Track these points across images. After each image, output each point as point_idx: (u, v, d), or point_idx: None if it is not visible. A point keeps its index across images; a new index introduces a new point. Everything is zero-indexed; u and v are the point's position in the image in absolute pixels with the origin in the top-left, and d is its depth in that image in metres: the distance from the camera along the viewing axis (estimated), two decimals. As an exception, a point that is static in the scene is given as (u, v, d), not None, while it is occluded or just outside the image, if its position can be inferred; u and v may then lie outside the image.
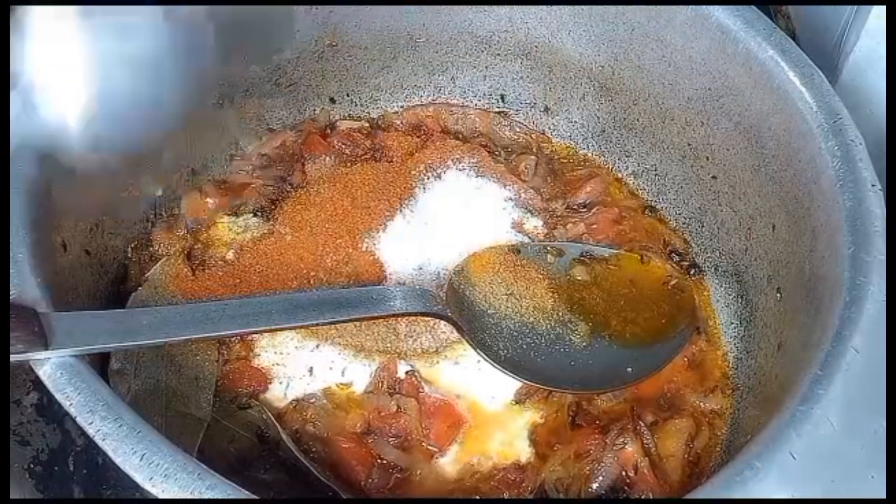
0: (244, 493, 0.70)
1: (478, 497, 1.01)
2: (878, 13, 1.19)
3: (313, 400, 1.04)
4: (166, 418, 0.98)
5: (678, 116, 1.19)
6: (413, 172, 1.22)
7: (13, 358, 0.74)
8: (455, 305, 1.06)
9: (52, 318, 0.78)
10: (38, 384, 0.74)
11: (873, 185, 0.93)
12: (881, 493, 0.77)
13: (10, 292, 0.79)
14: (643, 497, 0.99)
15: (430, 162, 1.23)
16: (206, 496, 0.69)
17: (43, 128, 0.93)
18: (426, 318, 1.08)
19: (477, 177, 1.23)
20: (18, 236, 0.83)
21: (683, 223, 1.24)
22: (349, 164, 1.24)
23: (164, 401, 1.00)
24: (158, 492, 0.69)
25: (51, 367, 0.75)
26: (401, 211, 1.18)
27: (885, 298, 0.86)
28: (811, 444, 0.77)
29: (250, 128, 1.27)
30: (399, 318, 1.08)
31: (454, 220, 1.18)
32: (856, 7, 1.22)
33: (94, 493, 1.02)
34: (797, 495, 0.75)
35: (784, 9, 1.39)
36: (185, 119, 1.17)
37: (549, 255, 1.15)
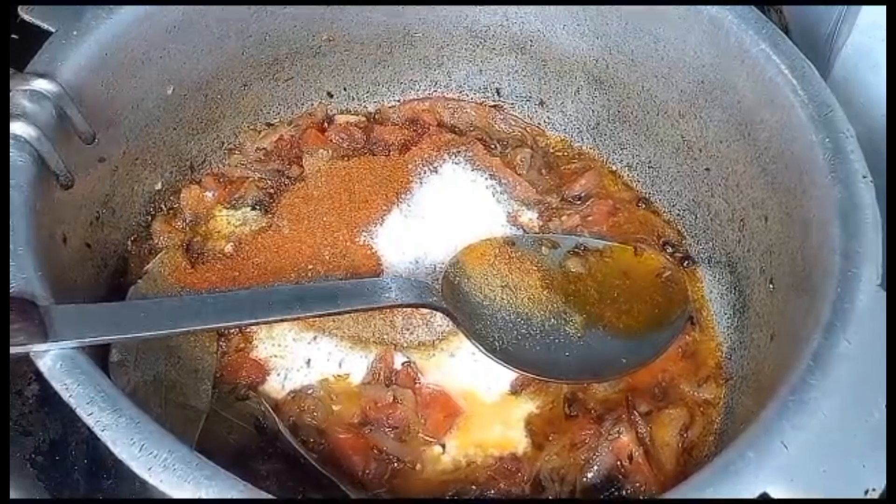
0: (243, 484, 0.71)
1: (474, 487, 1.02)
2: (870, 9, 1.19)
3: (311, 391, 1.05)
4: (166, 409, 0.99)
5: (672, 109, 1.19)
6: (409, 166, 1.22)
7: (13, 350, 0.74)
8: (450, 297, 1.07)
9: (52, 310, 0.78)
10: (39, 375, 0.75)
11: (864, 177, 0.94)
12: (874, 483, 0.77)
13: (11, 285, 0.79)
14: (638, 485, 1.00)
15: (426, 156, 1.23)
16: (203, 486, 0.70)
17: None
18: (422, 310, 1.09)
19: (472, 170, 1.24)
20: (19, 230, 0.84)
21: (677, 215, 1.25)
22: (346, 158, 1.24)
23: (163, 392, 1.00)
24: (157, 482, 0.70)
25: (50, 358, 0.75)
26: (397, 205, 1.19)
27: (877, 289, 0.86)
28: (803, 435, 0.78)
29: (248, 122, 1.28)
30: (396, 311, 1.09)
31: (450, 214, 1.19)
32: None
33: (95, 483, 1.02)
34: (789, 485, 0.76)
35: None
36: (186, 113, 1.18)
37: (543, 248, 1.15)
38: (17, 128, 0.89)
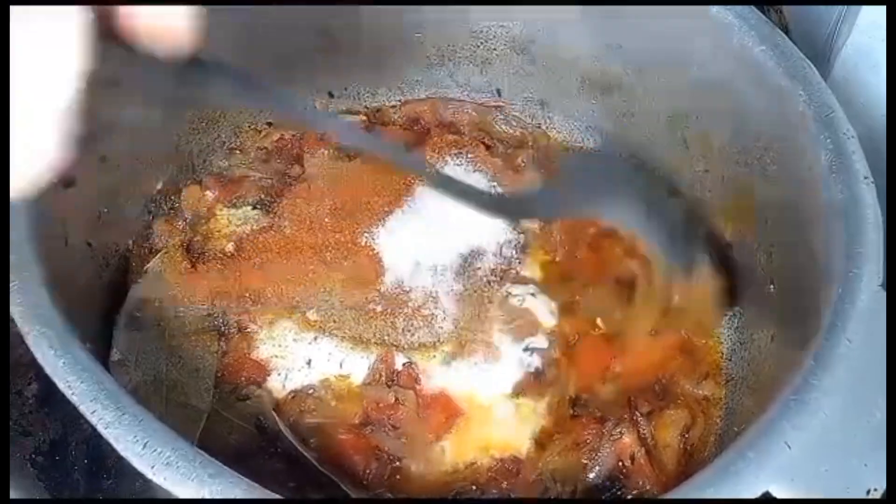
0: (246, 483, 0.71)
1: (475, 487, 1.02)
2: (870, 9, 1.20)
3: (311, 391, 1.05)
4: (167, 409, 0.99)
5: (672, 110, 1.19)
6: (411, 167, 1.22)
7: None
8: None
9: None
10: (39, 375, 0.75)
11: (866, 178, 0.94)
12: (875, 483, 0.77)
13: (11, 285, 0.79)
14: (640, 485, 1.01)
15: (427, 157, 1.23)
16: (206, 484, 0.70)
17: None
18: (423, 311, 1.09)
19: (474, 171, 1.23)
20: (20, 229, 0.84)
21: (678, 215, 1.25)
22: (348, 159, 1.24)
23: (164, 392, 1.00)
24: (160, 480, 0.70)
25: (53, 356, 0.75)
26: (399, 206, 1.18)
27: (877, 289, 0.86)
28: (804, 434, 0.78)
29: (249, 122, 1.28)
30: (397, 312, 1.09)
31: (451, 215, 1.18)
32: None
33: (95, 483, 1.02)
34: (791, 485, 0.76)
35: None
36: (187, 113, 1.18)
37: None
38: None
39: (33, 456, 1.03)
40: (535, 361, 1.09)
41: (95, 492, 1.03)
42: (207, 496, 0.69)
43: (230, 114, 1.24)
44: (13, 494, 0.98)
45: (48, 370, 0.75)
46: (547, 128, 1.35)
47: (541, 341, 1.10)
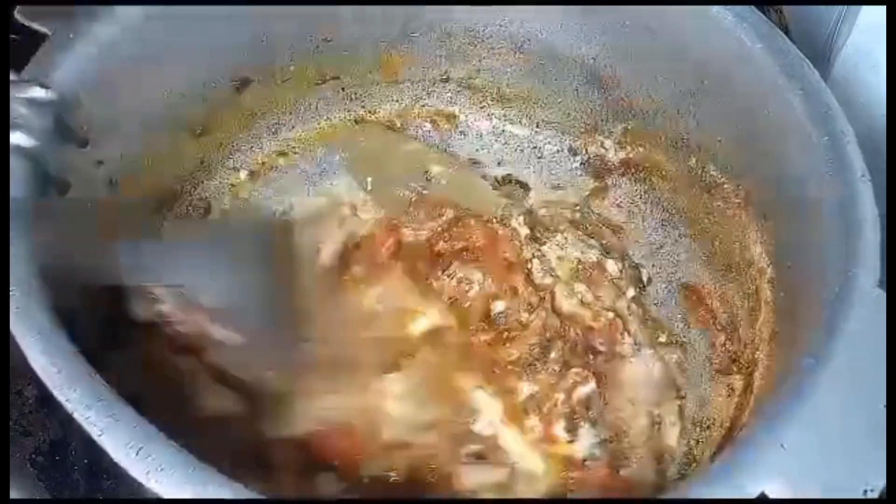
0: (240, 485, 0.71)
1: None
2: (870, 9, 1.20)
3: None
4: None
5: (670, 109, 1.19)
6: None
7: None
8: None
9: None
10: (38, 378, 0.75)
11: (863, 176, 0.94)
12: (873, 483, 0.77)
13: (11, 289, 0.79)
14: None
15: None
16: (200, 488, 0.70)
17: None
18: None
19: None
20: (18, 230, 0.83)
21: (676, 214, 1.25)
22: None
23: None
24: (154, 485, 0.70)
25: (47, 363, 0.75)
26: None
27: (876, 289, 0.86)
28: (802, 434, 0.78)
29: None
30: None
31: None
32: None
33: (95, 483, 1.03)
34: (788, 484, 0.75)
35: (776, 5, 1.40)
36: (184, 116, 1.18)
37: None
38: (15, 137, 0.89)
39: (33, 456, 1.03)
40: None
41: (95, 492, 1.03)
42: (203, 497, 0.69)
43: (227, 115, 1.24)
44: (13, 494, 0.98)
45: (42, 377, 0.75)
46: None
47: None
